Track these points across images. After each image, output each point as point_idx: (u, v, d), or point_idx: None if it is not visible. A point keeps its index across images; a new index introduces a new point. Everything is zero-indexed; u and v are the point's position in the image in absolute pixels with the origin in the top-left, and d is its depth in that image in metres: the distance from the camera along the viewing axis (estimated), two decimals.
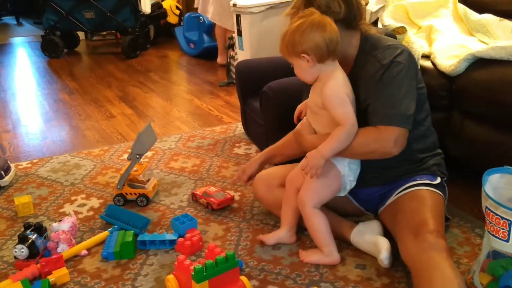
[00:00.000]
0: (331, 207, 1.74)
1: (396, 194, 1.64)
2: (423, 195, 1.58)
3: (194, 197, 2.08)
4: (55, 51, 5.03)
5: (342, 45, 1.55)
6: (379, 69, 1.53)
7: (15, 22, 7.49)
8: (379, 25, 2.61)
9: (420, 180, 1.63)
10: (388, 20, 2.41)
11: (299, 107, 1.76)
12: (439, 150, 1.75)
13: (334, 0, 1.54)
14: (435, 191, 1.60)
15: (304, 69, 1.55)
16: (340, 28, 1.52)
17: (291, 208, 1.72)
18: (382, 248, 1.55)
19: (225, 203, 2.01)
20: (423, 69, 2.11)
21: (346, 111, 1.52)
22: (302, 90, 1.80)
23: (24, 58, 5.27)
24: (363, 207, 1.79)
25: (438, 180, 1.65)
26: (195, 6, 4.51)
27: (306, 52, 1.51)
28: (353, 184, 1.65)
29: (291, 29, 1.52)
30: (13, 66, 4.91)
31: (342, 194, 1.67)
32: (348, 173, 1.62)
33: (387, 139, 1.50)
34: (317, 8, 1.53)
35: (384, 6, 2.67)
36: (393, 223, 1.58)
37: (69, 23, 4.92)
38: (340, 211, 1.78)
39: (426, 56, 2.18)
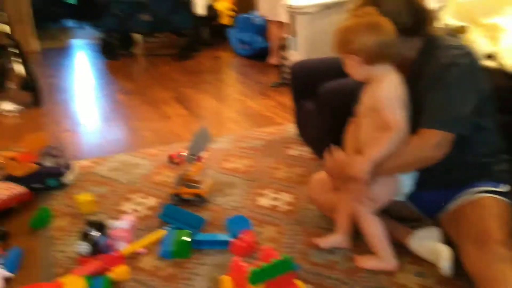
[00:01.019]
0: (386, 212, 1.70)
1: (459, 201, 1.58)
2: (488, 203, 1.51)
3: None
4: (113, 53, 5.19)
5: (403, 48, 1.51)
6: (439, 70, 1.48)
7: (76, 26, 7.81)
8: (440, 24, 2.52)
9: (485, 186, 1.55)
10: (449, 19, 2.33)
11: None
12: (505, 156, 1.66)
13: (402, 11, 1.50)
14: (501, 199, 1.53)
15: (352, 67, 1.54)
16: (403, 35, 1.48)
17: (346, 212, 1.70)
18: (444, 257, 1.50)
19: None
20: (487, 70, 2.01)
21: (397, 113, 1.48)
22: (358, 90, 1.77)
23: (83, 60, 5.48)
24: (422, 212, 1.74)
25: (505, 187, 1.57)
26: (261, 15, 4.48)
27: (355, 52, 1.48)
28: (412, 188, 1.60)
29: (345, 26, 1.51)
30: (73, 68, 5.11)
31: (400, 199, 1.62)
32: (405, 176, 1.57)
33: (428, 144, 1.45)
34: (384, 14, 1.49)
35: (444, 4, 2.58)
36: (455, 230, 1.52)
37: (127, 26, 5.07)
38: (396, 216, 1.73)
39: (490, 56, 2.09)
